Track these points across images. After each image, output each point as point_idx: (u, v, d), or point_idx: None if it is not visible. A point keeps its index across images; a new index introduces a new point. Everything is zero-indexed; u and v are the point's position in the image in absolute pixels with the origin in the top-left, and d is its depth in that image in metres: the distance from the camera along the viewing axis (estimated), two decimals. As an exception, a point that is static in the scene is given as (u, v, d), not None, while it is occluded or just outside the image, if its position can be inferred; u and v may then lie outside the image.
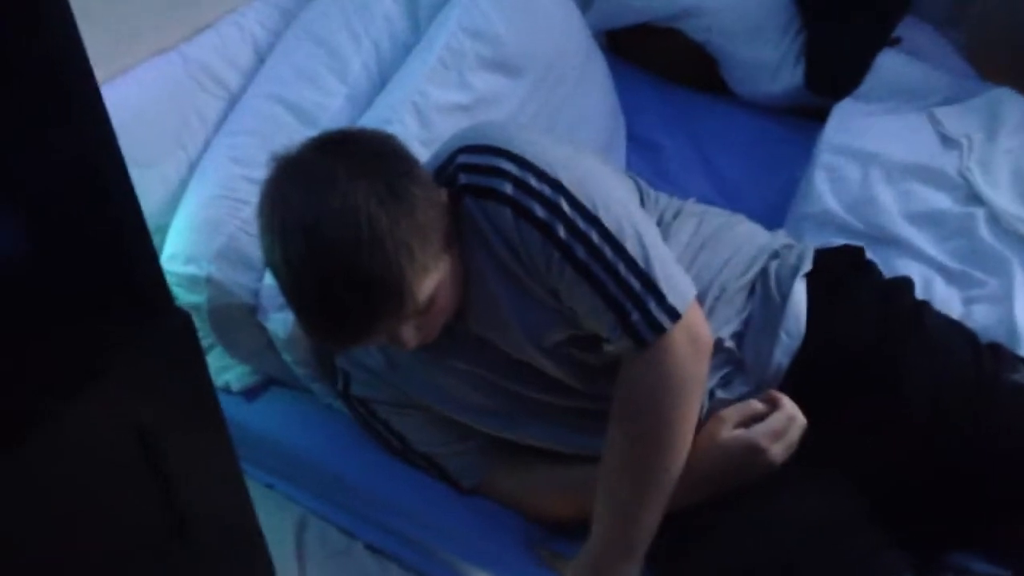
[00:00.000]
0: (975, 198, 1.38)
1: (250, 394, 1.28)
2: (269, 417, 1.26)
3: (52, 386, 0.69)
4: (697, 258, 1.06)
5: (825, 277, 1.08)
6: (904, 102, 1.56)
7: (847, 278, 1.10)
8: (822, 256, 1.11)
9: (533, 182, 0.95)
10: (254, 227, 1.19)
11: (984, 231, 1.33)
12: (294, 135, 1.27)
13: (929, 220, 1.37)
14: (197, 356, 0.78)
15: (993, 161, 1.42)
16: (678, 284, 0.95)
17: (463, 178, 0.97)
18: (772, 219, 1.46)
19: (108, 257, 0.73)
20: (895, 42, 1.63)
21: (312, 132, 1.28)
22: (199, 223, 1.20)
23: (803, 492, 0.97)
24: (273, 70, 1.36)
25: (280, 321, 1.16)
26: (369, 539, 1.19)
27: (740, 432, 0.96)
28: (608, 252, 0.94)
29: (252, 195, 1.20)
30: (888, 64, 1.60)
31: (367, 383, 1.13)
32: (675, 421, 0.95)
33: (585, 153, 1.06)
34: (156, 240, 1.22)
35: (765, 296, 1.06)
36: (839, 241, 1.38)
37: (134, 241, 0.72)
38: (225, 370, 1.29)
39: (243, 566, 0.89)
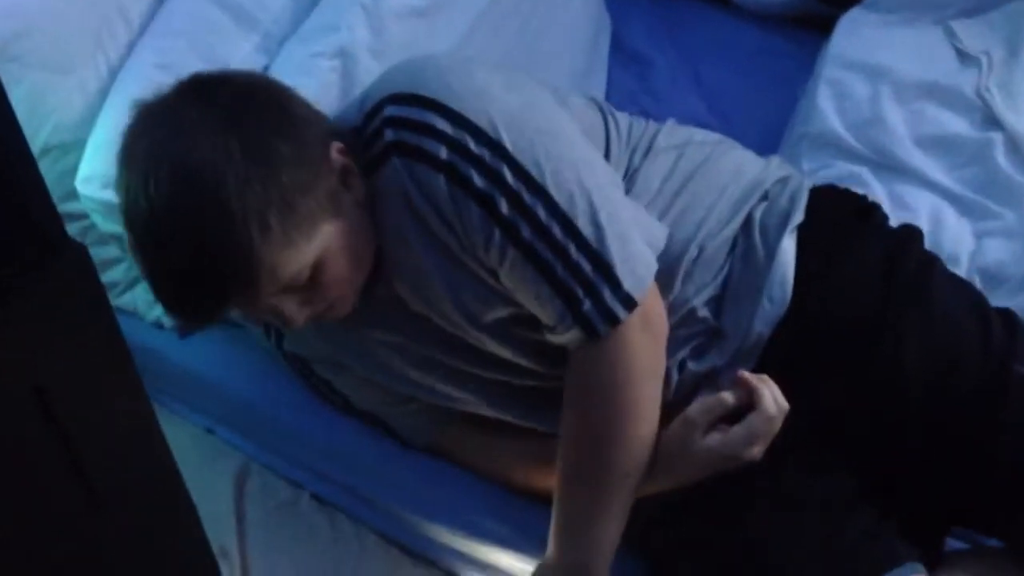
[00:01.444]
0: (993, 122, 1.30)
1: (184, 331, 1.19)
2: (205, 355, 1.18)
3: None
4: (671, 207, 0.95)
5: (820, 231, 0.97)
6: (919, 13, 1.46)
7: (845, 233, 0.99)
8: (819, 200, 1.00)
9: (472, 145, 0.85)
10: None
11: (1001, 159, 1.26)
12: (229, 38, 1.16)
13: (942, 145, 1.29)
14: (98, 297, 0.69)
15: (1014, 82, 1.34)
16: (636, 266, 0.85)
17: (390, 134, 0.87)
18: (768, 143, 1.38)
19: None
20: (911, -54, 1.51)
21: (251, 36, 1.17)
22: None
23: (795, 469, 0.91)
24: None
25: None
26: (316, 490, 1.13)
27: (714, 443, 0.87)
28: (557, 231, 0.85)
29: None
30: (902, -30, 1.49)
31: (299, 341, 1.04)
32: (633, 418, 0.87)
33: (540, 93, 0.93)
34: (72, 158, 1.15)
35: (748, 251, 0.95)
36: (839, 165, 1.30)
37: (15, 166, 0.62)
38: (155, 304, 1.19)
39: (168, 533, 0.82)
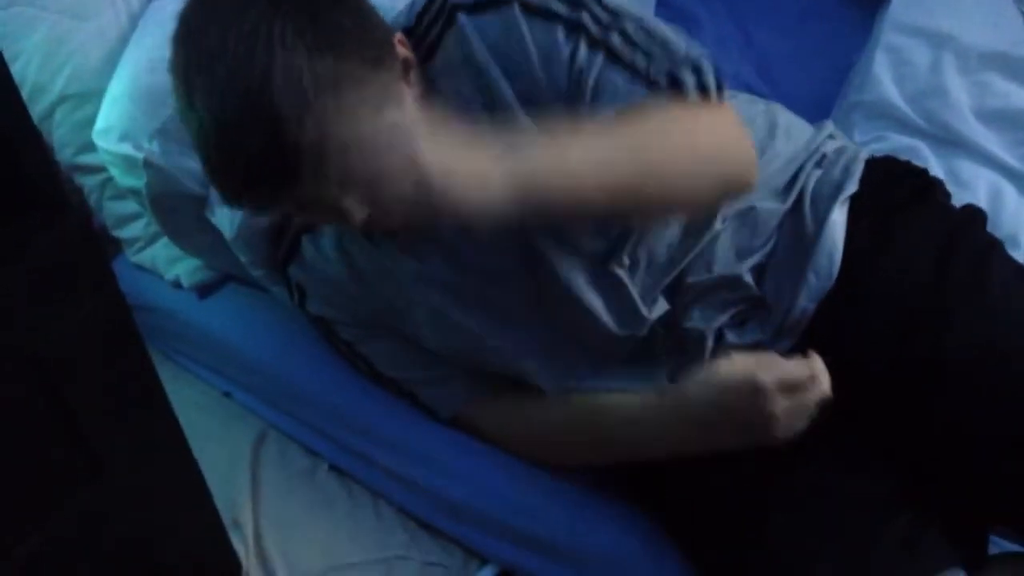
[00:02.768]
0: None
1: (203, 291, 1.16)
2: (224, 317, 1.15)
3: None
4: None
5: (874, 205, 0.93)
6: (987, -26, 1.36)
7: (901, 209, 0.94)
8: (876, 172, 0.95)
9: None
10: None
11: (1070, 136, 1.18)
12: None
13: (1005, 120, 1.22)
14: (99, 265, 0.65)
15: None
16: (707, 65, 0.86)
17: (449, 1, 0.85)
18: (820, 110, 1.31)
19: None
20: (984, -100, 1.41)
21: None
22: (138, 92, 1.05)
23: (831, 465, 0.86)
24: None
25: (226, 217, 1.01)
26: (333, 459, 1.10)
27: (743, 365, 0.81)
28: (642, 36, 0.85)
29: None
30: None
31: (326, 299, 0.99)
32: (705, 137, 0.84)
33: None
34: (90, 108, 1.10)
35: (797, 220, 0.91)
36: (893, 137, 1.23)
37: (14, 128, 0.58)
38: (175, 262, 1.16)
39: (173, 502, 0.79)
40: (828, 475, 0.86)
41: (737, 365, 0.80)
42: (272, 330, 1.13)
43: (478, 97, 0.86)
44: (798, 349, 0.86)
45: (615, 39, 0.85)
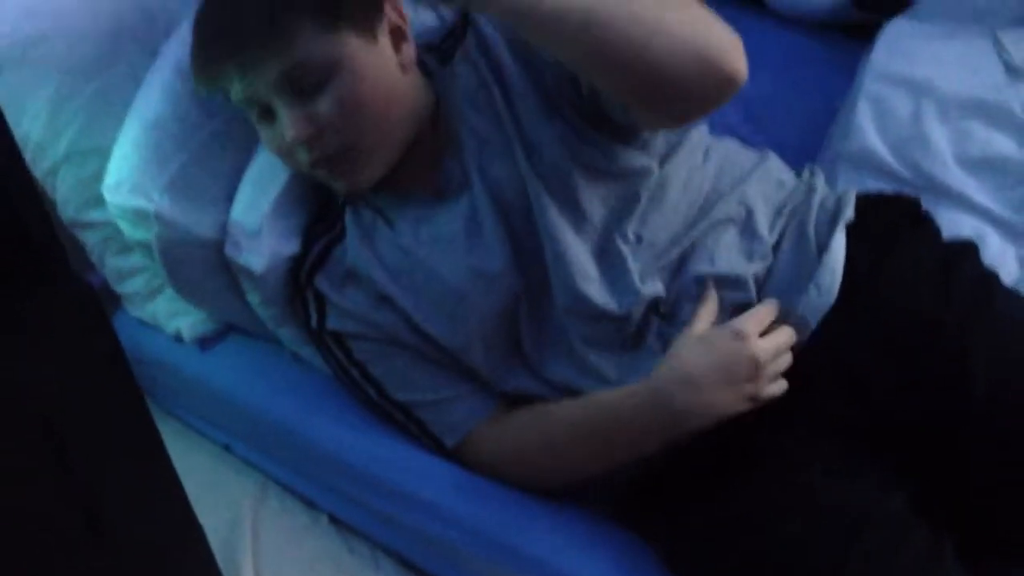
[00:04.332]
0: (1042, 142, 1.23)
1: (204, 343, 1.17)
2: (226, 369, 1.16)
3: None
4: (720, 175, 0.98)
5: (872, 230, 0.96)
6: (965, 23, 1.40)
7: (899, 234, 0.98)
8: (868, 204, 0.99)
9: None
10: (211, 151, 1.07)
11: (1052, 181, 1.21)
12: None
13: (988, 167, 1.25)
14: (104, 331, 0.66)
15: (1066, 97, 1.27)
16: None
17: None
18: (804, 152, 1.33)
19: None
20: (959, -49, 1.44)
21: None
22: (146, 147, 1.08)
23: (843, 481, 0.87)
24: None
25: (253, 255, 1.05)
26: (333, 510, 1.11)
27: (762, 351, 0.87)
28: None
29: (208, 115, 1.08)
30: (948, -23, 1.42)
31: (348, 313, 1.01)
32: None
33: None
34: (93, 164, 1.12)
35: (799, 240, 0.95)
36: (878, 187, 1.25)
37: (16, 194, 0.59)
38: (176, 316, 1.18)
39: (175, 562, 0.79)
40: (840, 491, 0.87)
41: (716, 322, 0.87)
42: (272, 381, 1.15)
43: (495, 75, 0.94)
44: (797, 367, 0.88)
45: None
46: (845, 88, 1.40)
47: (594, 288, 0.93)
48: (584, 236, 0.94)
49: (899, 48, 1.37)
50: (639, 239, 0.94)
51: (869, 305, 0.91)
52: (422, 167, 0.97)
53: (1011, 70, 1.33)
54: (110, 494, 0.72)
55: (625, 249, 0.93)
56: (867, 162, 1.27)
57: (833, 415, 0.88)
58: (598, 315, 0.93)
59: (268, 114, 0.94)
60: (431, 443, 1.02)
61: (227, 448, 1.16)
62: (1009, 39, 1.36)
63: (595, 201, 0.94)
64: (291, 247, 1.04)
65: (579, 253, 0.93)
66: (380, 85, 0.92)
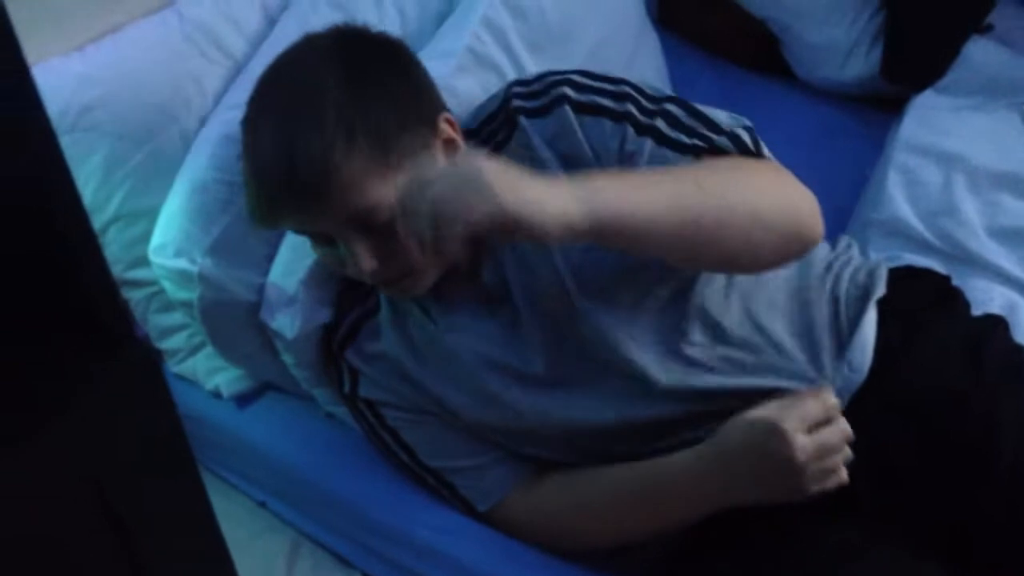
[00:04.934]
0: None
1: (242, 400, 1.18)
2: (262, 426, 1.18)
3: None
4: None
5: (901, 305, 0.98)
6: (993, 97, 1.43)
7: (928, 311, 0.99)
8: (898, 279, 1.01)
9: (593, 81, 0.95)
10: None
11: (1083, 253, 1.21)
12: None
13: (1018, 237, 1.27)
14: (162, 394, 0.68)
15: (1093, 170, 1.28)
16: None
17: (517, 101, 0.96)
18: (834, 224, 1.33)
19: (50, 279, 0.62)
20: (986, 29, 1.48)
21: None
22: (191, 210, 1.11)
23: (868, 555, 0.87)
24: (283, 36, 1.24)
25: (286, 320, 1.07)
26: (366, 568, 1.11)
27: (765, 407, 0.84)
28: (684, 116, 0.93)
29: None
30: (977, 53, 1.47)
31: (380, 384, 1.03)
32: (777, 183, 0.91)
33: None
34: (142, 226, 1.15)
35: (832, 321, 0.96)
36: (908, 256, 1.27)
37: (82, 258, 0.61)
38: (215, 372, 1.20)
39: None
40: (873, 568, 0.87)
41: (760, 408, 0.84)
42: (307, 438, 1.16)
43: None
44: None
45: (661, 123, 0.93)
46: (875, 159, 1.42)
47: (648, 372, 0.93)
48: (640, 344, 0.93)
49: (928, 120, 1.39)
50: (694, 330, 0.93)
51: (898, 382, 0.92)
52: (462, 274, 0.96)
53: (1039, 146, 1.34)
54: (160, 554, 0.72)
55: (692, 352, 0.93)
56: (898, 231, 1.28)
57: (861, 492, 0.87)
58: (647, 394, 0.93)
59: (327, 239, 0.93)
60: (463, 507, 1.03)
61: (262, 505, 1.16)
62: (1036, 113, 1.38)
63: (649, 308, 0.93)
64: (323, 315, 1.05)
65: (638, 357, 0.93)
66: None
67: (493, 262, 0.96)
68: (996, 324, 1.00)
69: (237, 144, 1.13)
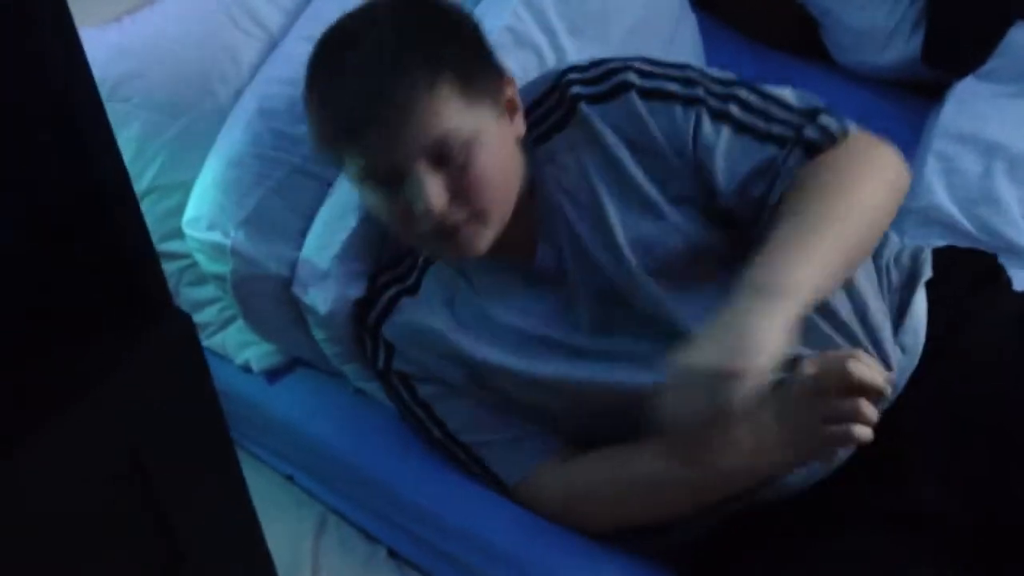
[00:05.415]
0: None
1: (272, 375, 1.18)
2: (291, 401, 1.18)
3: (32, 403, 0.62)
4: None
5: (949, 287, 0.97)
6: (1035, 84, 1.38)
7: (976, 291, 0.98)
8: (944, 259, 1.00)
9: (656, 67, 0.96)
10: (289, 189, 1.09)
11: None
12: None
13: None
14: (199, 368, 0.68)
15: None
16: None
17: (576, 88, 0.96)
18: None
19: (95, 248, 0.62)
20: (1031, 13, 1.44)
21: None
22: (225, 183, 1.11)
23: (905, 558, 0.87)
24: (320, 10, 1.23)
25: (319, 295, 1.08)
26: (394, 544, 1.12)
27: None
28: (756, 100, 0.94)
29: (287, 153, 1.10)
30: (1020, 39, 1.43)
31: (416, 360, 1.02)
32: (881, 169, 0.92)
33: None
34: (175, 199, 1.15)
35: (884, 304, 0.96)
36: (946, 243, 1.23)
37: (127, 229, 0.61)
38: (246, 347, 1.20)
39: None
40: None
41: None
42: (336, 415, 1.16)
43: (603, 171, 0.95)
44: (881, 432, 0.85)
45: (734, 108, 0.93)
46: (913, 145, 1.40)
47: None
48: (695, 317, 0.91)
49: (968, 108, 1.37)
50: None
51: (952, 365, 0.91)
52: (516, 241, 0.96)
53: (1082, 131, 1.31)
54: (194, 530, 0.73)
55: None
56: (935, 219, 1.27)
57: (909, 485, 0.87)
58: None
59: (389, 182, 0.92)
60: (491, 481, 1.03)
61: (290, 479, 1.17)
62: (1080, 100, 1.35)
63: (709, 287, 0.92)
64: (357, 290, 1.06)
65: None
66: (507, 157, 0.94)
67: (550, 244, 0.97)
68: None
69: (269, 118, 1.13)
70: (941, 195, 1.28)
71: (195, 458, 0.71)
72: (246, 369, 1.20)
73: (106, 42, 1.16)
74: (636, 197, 0.94)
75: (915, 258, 1.00)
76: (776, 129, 0.92)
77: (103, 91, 1.11)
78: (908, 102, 1.51)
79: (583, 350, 0.96)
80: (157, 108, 1.15)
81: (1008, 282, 1.02)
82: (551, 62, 1.21)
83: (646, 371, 0.91)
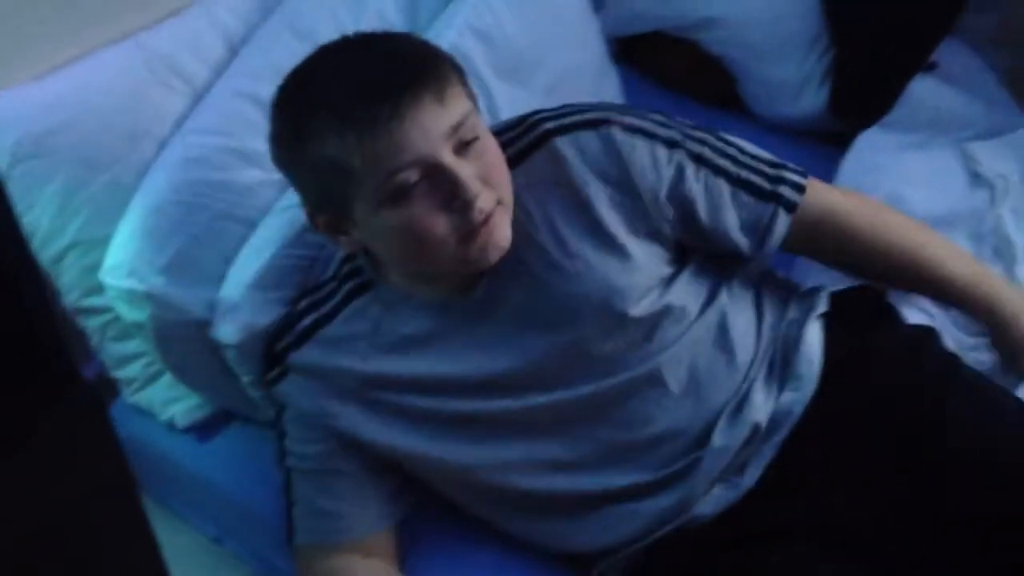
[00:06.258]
0: (1004, 250, 1.25)
1: (202, 433, 1.18)
2: (220, 461, 1.17)
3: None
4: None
5: (843, 319, 1.02)
6: (936, 134, 1.46)
7: (869, 323, 1.04)
8: (840, 299, 1.05)
9: (631, 114, 0.97)
10: (212, 234, 1.10)
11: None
12: (263, 135, 1.15)
13: None
14: (107, 439, 0.66)
15: (1027, 207, 1.30)
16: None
17: (549, 124, 0.96)
18: (778, 258, 1.35)
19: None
20: (931, 67, 1.52)
21: None
22: (146, 231, 1.11)
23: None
24: (246, 65, 1.25)
25: (228, 328, 1.06)
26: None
27: None
28: (730, 148, 0.99)
29: (210, 200, 1.11)
30: (921, 91, 1.51)
31: (306, 394, 0.99)
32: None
33: None
34: (98, 253, 1.13)
35: (776, 341, 1.00)
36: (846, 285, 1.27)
37: (28, 307, 0.60)
38: (172, 403, 1.19)
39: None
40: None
41: None
42: (266, 476, 1.13)
43: (572, 217, 0.94)
44: (786, 453, 0.92)
45: (712, 154, 0.97)
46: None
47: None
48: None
49: (868, 162, 1.42)
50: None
51: (846, 390, 0.96)
52: (454, 282, 0.96)
53: (975, 179, 1.37)
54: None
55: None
56: None
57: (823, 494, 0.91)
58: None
59: (401, 196, 0.87)
60: (287, 532, 1.00)
61: (217, 541, 1.14)
62: (976, 150, 1.41)
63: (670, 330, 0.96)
64: (267, 318, 1.04)
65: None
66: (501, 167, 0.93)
67: (493, 278, 0.95)
68: (929, 331, 1.05)
69: (196, 167, 1.13)
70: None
71: (105, 530, 0.70)
72: (171, 426, 1.18)
73: (30, 98, 1.15)
74: (603, 239, 0.93)
75: (812, 295, 1.04)
76: (755, 179, 0.98)
77: (27, 146, 1.12)
78: (820, 150, 1.55)
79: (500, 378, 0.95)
80: (81, 162, 1.14)
81: (897, 316, 1.07)
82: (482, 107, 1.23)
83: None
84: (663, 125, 0.97)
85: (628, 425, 0.94)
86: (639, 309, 0.93)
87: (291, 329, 1.01)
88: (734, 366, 0.96)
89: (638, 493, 0.95)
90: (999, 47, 1.57)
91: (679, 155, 0.95)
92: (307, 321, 1.01)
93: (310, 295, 1.03)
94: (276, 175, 1.13)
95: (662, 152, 0.94)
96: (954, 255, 1.06)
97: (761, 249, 0.99)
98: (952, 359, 1.01)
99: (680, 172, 0.94)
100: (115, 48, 1.18)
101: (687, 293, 0.97)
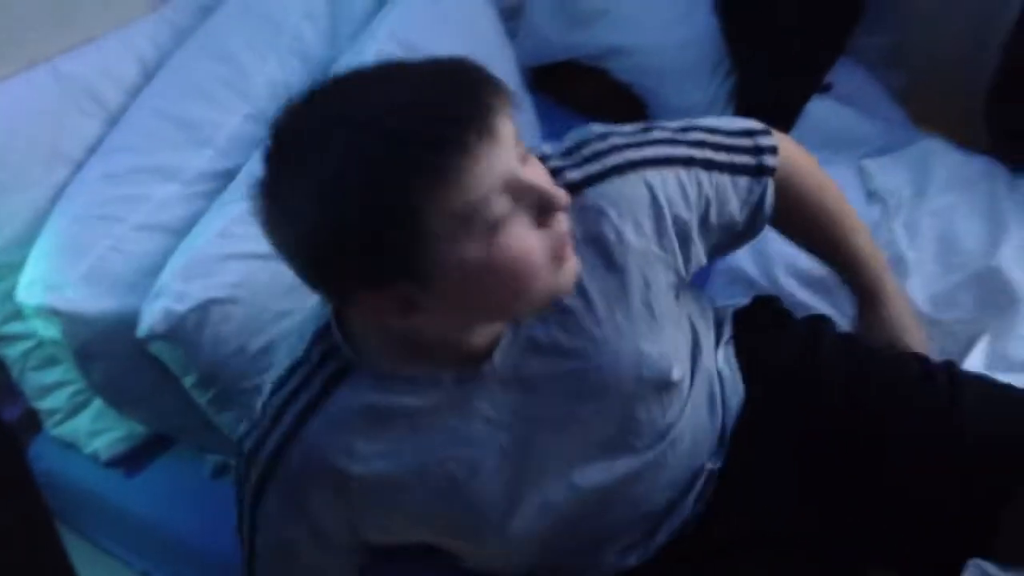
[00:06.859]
0: (896, 265, 1.32)
1: (128, 466, 1.14)
2: (148, 495, 1.13)
3: None
4: None
5: (748, 333, 1.06)
6: (834, 152, 1.52)
7: (769, 327, 1.08)
8: (741, 316, 1.09)
9: (623, 129, 0.93)
10: (130, 243, 1.07)
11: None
12: (181, 152, 1.16)
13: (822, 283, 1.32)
14: (25, 479, 0.64)
15: (917, 221, 1.37)
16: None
17: (571, 173, 0.85)
18: (698, 275, 1.38)
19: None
20: (827, 88, 1.59)
21: (205, 151, 1.18)
22: (63, 245, 1.08)
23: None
24: (162, 86, 1.25)
25: (151, 315, 1.00)
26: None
27: None
28: (710, 136, 0.96)
29: (127, 212, 1.10)
30: (818, 111, 1.58)
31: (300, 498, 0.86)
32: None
33: None
34: (16, 279, 1.10)
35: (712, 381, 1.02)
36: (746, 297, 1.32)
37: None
38: (95, 436, 1.16)
39: None
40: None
41: None
42: (194, 508, 1.12)
43: (605, 276, 0.85)
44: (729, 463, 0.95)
45: (705, 150, 0.94)
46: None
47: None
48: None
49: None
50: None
51: (761, 397, 1.00)
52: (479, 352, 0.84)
53: (871, 196, 1.44)
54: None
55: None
56: (738, 278, 1.33)
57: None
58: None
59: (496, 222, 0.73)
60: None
61: (145, 575, 1.11)
62: (872, 167, 1.48)
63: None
64: (186, 305, 1.00)
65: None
66: None
67: (509, 343, 0.83)
68: (825, 319, 1.10)
69: (113, 183, 1.11)
70: (742, 257, 1.32)
71: (21, 569, 0.68)
72: (95, 458, 1.14)
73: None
74: (638, 312, 0.86)
75: (719, 323, 1.06)
76: (743, 159, 0.96)
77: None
78: (726, 171, 1.62)
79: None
80: (-2, 187, 1.11)
81: (792, 316, 1.12)
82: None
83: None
84: (663, 141, 0.91)
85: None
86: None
87: (277, 424, 0.82)
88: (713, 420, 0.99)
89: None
90: (891, 67, 1.66)
91: (695, 171, 0.91)
92: (295, 410, 0.82)
93: (278, 387, 0.83)
94: (194, 188, 1.13)
95: (684, 175, 0.89)
96: (861, 228, 1.12)
97: (754, 224, 0.99)
98: (847, 336, 1.07)
99: (699, 188, 0.91)
100: (29, 73, 1.17)
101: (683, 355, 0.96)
